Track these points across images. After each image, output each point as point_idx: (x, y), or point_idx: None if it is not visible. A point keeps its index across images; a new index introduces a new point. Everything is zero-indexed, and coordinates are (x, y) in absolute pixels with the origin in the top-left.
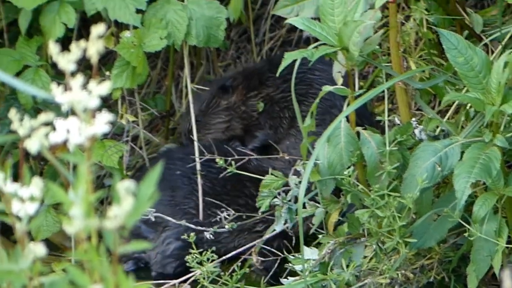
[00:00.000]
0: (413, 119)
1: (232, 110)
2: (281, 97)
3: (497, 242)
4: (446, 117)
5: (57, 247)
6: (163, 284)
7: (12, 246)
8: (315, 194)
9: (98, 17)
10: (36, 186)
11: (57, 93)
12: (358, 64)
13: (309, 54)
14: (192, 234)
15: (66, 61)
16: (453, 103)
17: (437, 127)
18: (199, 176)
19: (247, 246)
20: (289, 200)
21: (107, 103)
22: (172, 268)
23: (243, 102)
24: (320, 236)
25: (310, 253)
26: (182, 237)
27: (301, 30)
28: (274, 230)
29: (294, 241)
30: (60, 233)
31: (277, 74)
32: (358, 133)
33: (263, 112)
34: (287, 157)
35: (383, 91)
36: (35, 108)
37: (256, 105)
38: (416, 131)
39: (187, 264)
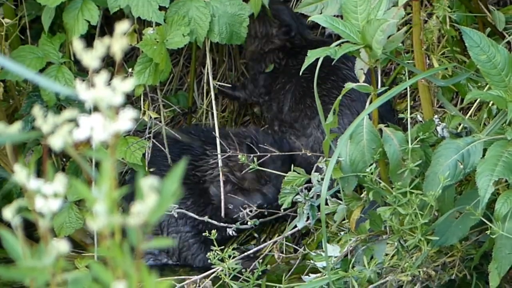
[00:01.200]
0: (436, 116)
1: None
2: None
3: None
4: (469, 114)
5: (78, 244)
6: (184, 280)
7: (35, 243)
8: (337, 191)
9: (121, 14)
10: (59, 182)
11: (80, 89)
12: (381, 62)
13: (332, 52)
14: (214, 231)
15: (90, 58)
16: (475, 100)
17: (460, 124)
18: (221, 173)
19: (269, 242)
20: (311, 197)
21: (129, 100)
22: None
23: (267, 52)
24: (341, 233)
25: (332, 250)
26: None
27: (323, 27)
28: (296, 226)
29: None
30: (80, 230)
31: (300, 73)
32: (380, 130)
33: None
34: (309, 154)
35: (406, 88)
36: (58, 105)
37: (268, 64)
38: (439, 129)
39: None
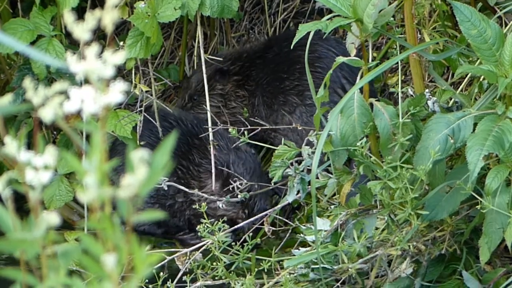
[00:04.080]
0: (427, 90)
1: (224, 98)
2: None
3: (509, 214)
4: (460, 89)
5: (65, 221)
6: (175, 252)
7: (26, 215)
8: (328, 165)
9: None
10: (50, 154)
11: (71, 62)
12: (372, 36)
13: (323, 26)
14: (204, 204)
15: (81, 31)
16: (466, 75)
17: (450, 99)
18: (212, 146)
19: (259, 215)
20: (302, 171)
21: (120, 73)
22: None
23: (234, 96)
24: (332, 207)
25: (321, 223)
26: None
27: (314, 1)
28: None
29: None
30: (67, 207)
31: (292, 46)
32: (371, 105)
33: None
34: (299, 127)
35: (397, 63)
36: (49, 77)
37: (243, 111)
38: (429, 103)
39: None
